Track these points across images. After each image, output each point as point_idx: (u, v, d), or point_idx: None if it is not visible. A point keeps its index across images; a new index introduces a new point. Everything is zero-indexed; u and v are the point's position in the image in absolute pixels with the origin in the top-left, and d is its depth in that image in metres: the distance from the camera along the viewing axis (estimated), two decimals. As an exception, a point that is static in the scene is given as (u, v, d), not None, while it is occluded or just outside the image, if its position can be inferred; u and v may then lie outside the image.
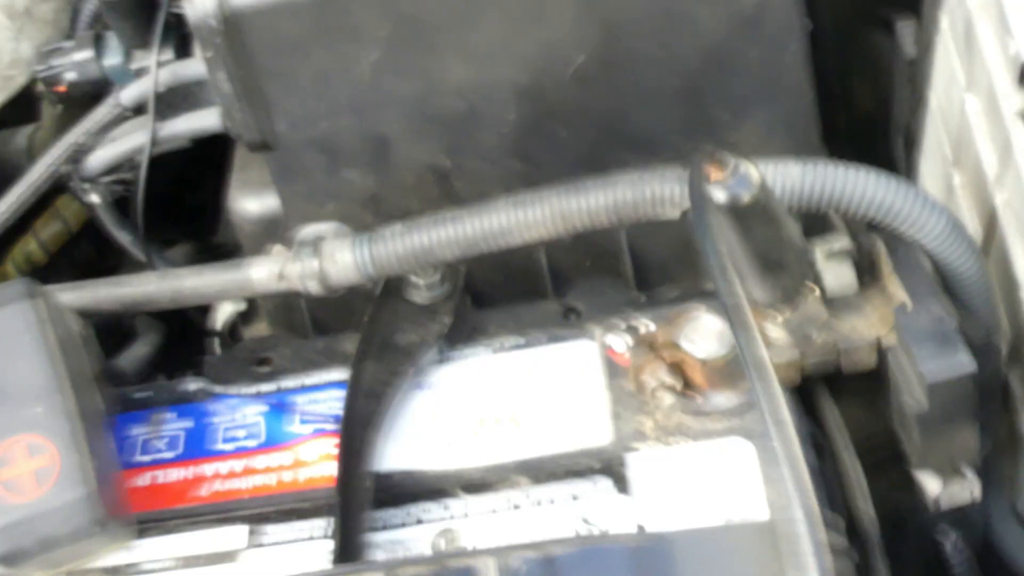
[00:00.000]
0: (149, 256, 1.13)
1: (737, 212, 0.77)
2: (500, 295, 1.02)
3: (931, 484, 0.89)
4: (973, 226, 1.01)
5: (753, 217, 0.78)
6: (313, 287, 0.91)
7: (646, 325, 0.94)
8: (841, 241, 0.94)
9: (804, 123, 1.03)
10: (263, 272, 0.92)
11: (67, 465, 0.80)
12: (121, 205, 1.14)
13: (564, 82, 0.98)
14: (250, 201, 1.06)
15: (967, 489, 0.89)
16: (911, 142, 1.16)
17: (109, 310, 0.95)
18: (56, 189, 1.19)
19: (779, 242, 0.81)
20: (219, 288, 0.93)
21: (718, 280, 0.73)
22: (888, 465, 0.94)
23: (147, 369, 1.15)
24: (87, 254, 1.24)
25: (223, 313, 1.15)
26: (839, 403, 0.92)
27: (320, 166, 1.01)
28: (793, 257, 0.82)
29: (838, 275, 0.91)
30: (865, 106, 1.29)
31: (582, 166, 0.99)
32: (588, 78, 0.98)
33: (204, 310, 1.20)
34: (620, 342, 0.93)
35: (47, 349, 0.83)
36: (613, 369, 0.92)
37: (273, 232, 1.04)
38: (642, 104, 1.00)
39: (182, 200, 1.23)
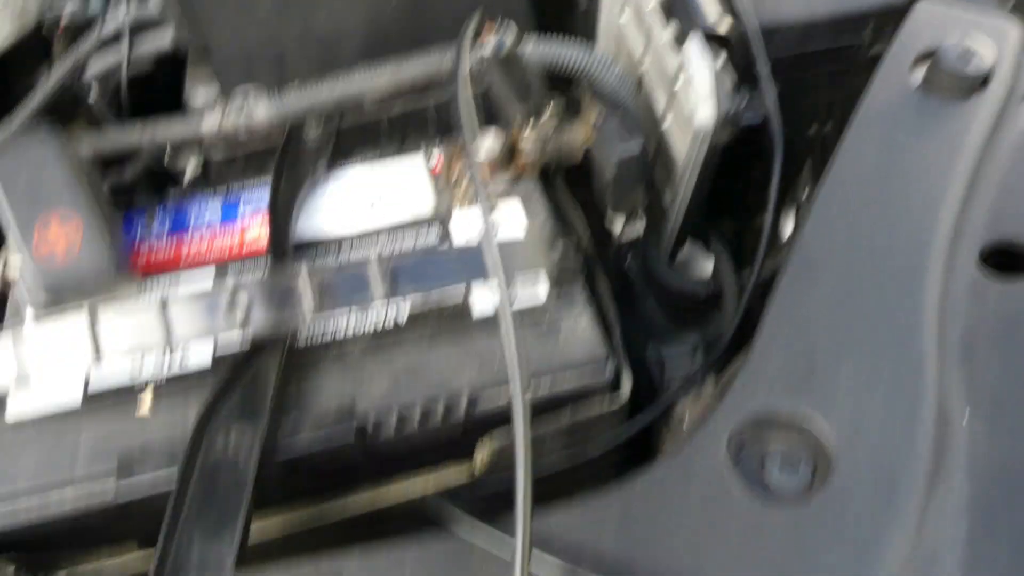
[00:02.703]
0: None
1: (500, 57, 0.70)
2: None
3: (617, 225, 0.85)
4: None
5: (510, 63, 0.71)
6: (242, 128, 0.79)
7: (449, 144, 0.85)
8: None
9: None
10: (210, 122, 0.79)
11: (90, 232, 0.67)
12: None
13: (387, 14, 0.87)
14: (199, 94, 0.90)
15: (638, 227, 0.85)
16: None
17: (110, 150, 0.80)
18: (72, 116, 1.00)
19: (526, 80, 0.74)
20: (180, 133, 0.80)
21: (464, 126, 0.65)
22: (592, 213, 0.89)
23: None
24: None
25: (189, 172, 0.98)
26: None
27: (241, 71, 0.87)
28: (534, 90, 0.75)
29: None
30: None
31: None
32: (402, 11, 0.88)
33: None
34: (434, 155, 0.85)
35: (67, 159, 0.69)
36: (431, 171, 0.83)
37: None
38: (436, 23, 0.88)
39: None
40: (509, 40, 0.69)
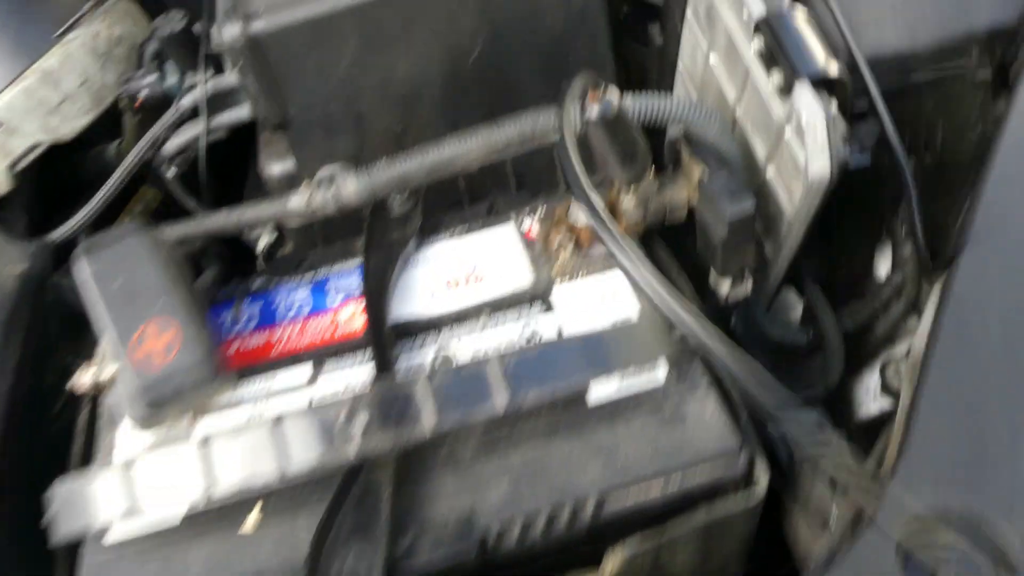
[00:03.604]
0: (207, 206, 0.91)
1: (606, 121, 0.63)
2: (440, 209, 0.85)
3: (724, 286, 0.77)
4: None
5: (616, 124, 0.64)
6: (330, 208, 0.73)
7: (541, 209, 0.79)
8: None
9: (610, 80, 0.89)
10: (298, 201, 0.74)
11: (187, 336, 0.61)
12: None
13: (468, 67, 0.82)
14: (276, 164, 0.85)
15: (745, 288, 0.77)
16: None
17: (198, 237, 0.75)
18: (140, 179, 0.96)
19: (632, 141, 0.67)
20: (270, 214, 0.75)
21: (576, 188, 0.58)
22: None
23: (214, 290, 0.93)
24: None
25: (263, 242, 0.94)
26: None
27: (319, 136, 0.83)
28: (640, 152, 0.68)
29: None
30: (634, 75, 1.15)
31: (482, 120, 0.83)
32: (482, 64, 0.82)
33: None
34: (527, 223, 0.78)
35: (160, 262, 0.63)
36: (525, 240, 0.77)
37: (289, 185, 0.84)
38: (516, 76, 0.85)
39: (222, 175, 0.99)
40: (615, 103, 0.62)
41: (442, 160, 0.73)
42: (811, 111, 0.68)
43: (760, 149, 0.80)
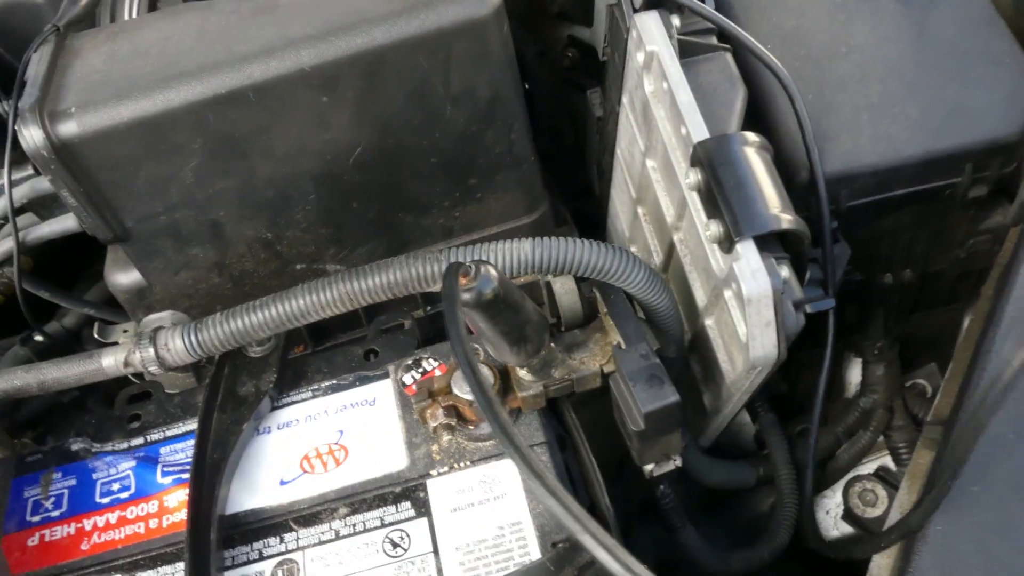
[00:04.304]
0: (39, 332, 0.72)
1: (482, 305, 0.47)
2: (320, 334, 0.69)
3: (647, 468, 0.62)
4: (655, 247, 0.73)
5: (496, 306, 0.49)
6: (154, 370, 0.58)
7: (428, 361, 0.63)
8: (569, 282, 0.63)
9: (531, 178, 0.73)
10: (112, 361, 0.58)
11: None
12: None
13: (348, 167, 0.65)
14: (121, 275, 0.68)
15: (672, 465, 0.62)
16: (602, 172, 0.86)
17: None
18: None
19: (520, 323, 0.51)
20: (77, 377, 0.59)
21: (463, 365, 0.42)
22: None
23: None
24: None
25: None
26: (579, 408, 0.63)
27: (169, 247, 0.66)
28: (532, 330, 0.53)
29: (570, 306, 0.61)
30: (570, 143, 0.98)
31: (373, 226, 0.71)
32: (367, 163, 0.65)
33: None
34: (409, 377, 0.63)
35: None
36: (406, 401, 0.61)
37: (143, 295, 0.68)
38: (412, 178, 0.68)
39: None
40: (491, 287, 0.47)
41: (291, 313, 0.57)
42: (754, 286, 0.52)
43: (700, 290, 0.65)
